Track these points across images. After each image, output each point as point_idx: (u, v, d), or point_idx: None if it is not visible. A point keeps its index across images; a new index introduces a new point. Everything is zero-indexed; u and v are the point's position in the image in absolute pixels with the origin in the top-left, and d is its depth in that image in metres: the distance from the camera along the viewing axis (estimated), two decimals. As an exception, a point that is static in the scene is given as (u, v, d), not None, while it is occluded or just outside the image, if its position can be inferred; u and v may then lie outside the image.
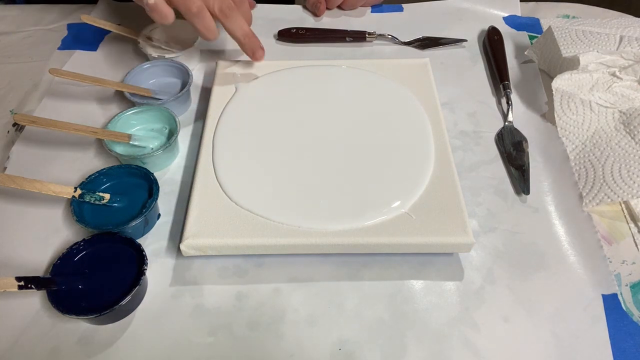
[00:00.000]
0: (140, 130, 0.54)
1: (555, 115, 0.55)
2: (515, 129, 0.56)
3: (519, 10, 0.73)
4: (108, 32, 0.68)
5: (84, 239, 0.43)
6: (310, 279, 0.45)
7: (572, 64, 0.56)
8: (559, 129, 0.55)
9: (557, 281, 0.44)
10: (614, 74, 0.56)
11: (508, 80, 0.60)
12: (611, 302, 0.43)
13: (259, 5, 0.74)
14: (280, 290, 0.44)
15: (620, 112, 0.54)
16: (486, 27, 0.69)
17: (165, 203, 0.50)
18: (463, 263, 0.46)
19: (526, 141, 0.55)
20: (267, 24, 0.71)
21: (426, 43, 0.68)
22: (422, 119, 0.53)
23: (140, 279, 0.40)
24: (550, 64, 0.61)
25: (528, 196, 0.50)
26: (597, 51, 0.56)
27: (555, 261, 0.46)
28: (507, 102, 0.58)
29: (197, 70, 0.64)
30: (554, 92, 0.55)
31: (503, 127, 0.57)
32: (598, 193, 0.48)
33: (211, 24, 0.50)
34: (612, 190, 0.47)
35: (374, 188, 0.47)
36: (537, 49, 0.63)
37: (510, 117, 0.57)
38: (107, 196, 0.46)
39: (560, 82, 0.55)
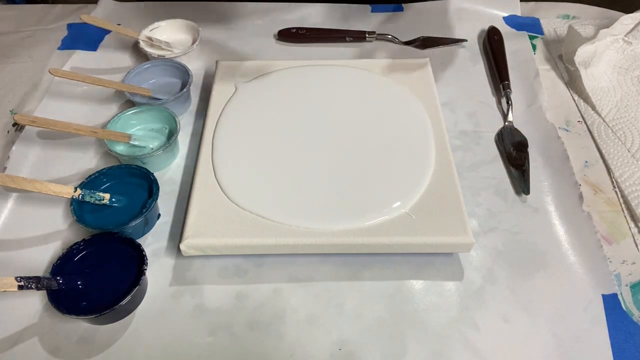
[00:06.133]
0: (140, 130, 0.54)
1: (585, 84, 0.60)
2: (515, 129, 0.56)
3: (519, 10, 0.73)
4: (108, 32, 0.69)
5: (84, 239, 0.43)
6: (310, 279, 0.45)
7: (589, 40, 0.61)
8: (590, 95, 0.59)
9: (557, 281, 0.44)
10: (624, 40, 0.64)
11: (508, 80, 0.60)
12: (611, 302, 0.43)
13: (260, 5, 0.74)
14: (280, 290, 0.44)
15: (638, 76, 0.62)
16: (486, 27, 0.69)
17: (165, 203, 0.50)
18: (463, 263, 0.46)
19: (526, 141, 0.55)
20: (267, 24, 0.71)
21: (426, 43, 0.68)
22: (422, 118, 0.53)
23: (140, 279, 0.40)
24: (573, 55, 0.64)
25: (528, 196, 0.50)
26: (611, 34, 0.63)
27: (555, 261, 0.46)
28: (507, 102, 0.58)
29: (197, 70, 0.64)
30: (577, 64, 0.60)
31: (503, 127, 0.57)
32: None
33: None
34: None
35: (374, 188, 0.47)
36: (566, 49, 0.65)
37: (510, 117, 0.57)
38: (107, 196, 0.46)
39: (582, 54, 0.60)
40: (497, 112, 0.59)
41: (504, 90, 0.60)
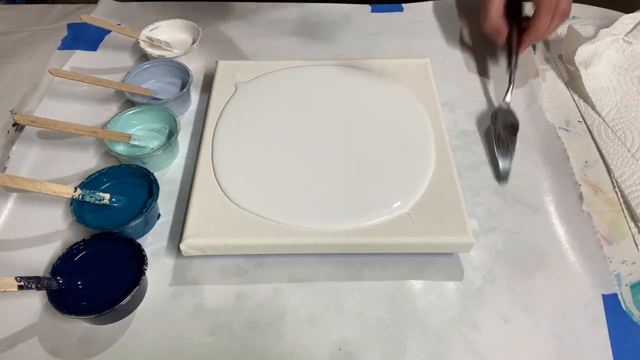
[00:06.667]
0: (140, 130, 0.54)
1: (585, 84, 0.59)
2: (511, 110, 0.57)
3: (519, 10, 0.73)
4: (108, 32, 0.69)
5: (84, 239, 0.43)
6: (310, 279, 0.45)
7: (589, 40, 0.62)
8: (590, 95, 0.59)
9: (557, 281, 0.44)
10: (624, 40, 0.64)
11: (516, 57, 0.60)
12: (611, 302, 0.43)
13: (259, 5, 0.74)
14: (280, 290, 0.44)
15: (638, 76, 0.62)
16: (486, 27, 0.69)
17: (165, 203, 0.50)
18: (463, 263, 0.46)
19: (517, 124, 0.55)
20: (267, 24, 0.71)
21: None
22: (422, 119, 0.53)
23: (140, 279, 0.40)
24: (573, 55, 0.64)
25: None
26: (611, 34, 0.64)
27: (555, 261, 0.46)
28: (510, 79, 0.59)
29: (197, 70, 0.64)
30: (577, 64, 0.60)
31: (499, 107, 0.57)
32: None
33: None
34: None
35: (374, 188, 0.47)
36: (566, 49, 0.65)
37: (508, 98, 0.58)
38: (107, 196, 0.46)
39: (582, 54, 0.60)
40: (497, 112, 0.59)
41: (508, 66, 0.60)
